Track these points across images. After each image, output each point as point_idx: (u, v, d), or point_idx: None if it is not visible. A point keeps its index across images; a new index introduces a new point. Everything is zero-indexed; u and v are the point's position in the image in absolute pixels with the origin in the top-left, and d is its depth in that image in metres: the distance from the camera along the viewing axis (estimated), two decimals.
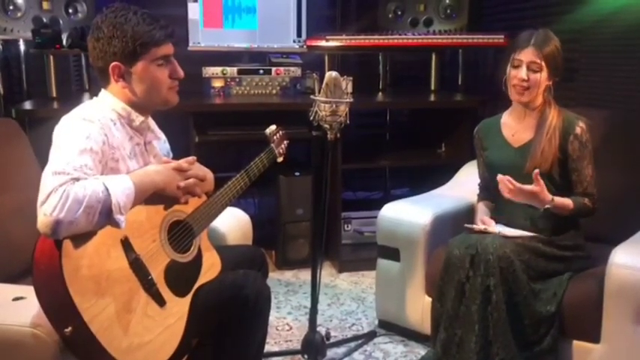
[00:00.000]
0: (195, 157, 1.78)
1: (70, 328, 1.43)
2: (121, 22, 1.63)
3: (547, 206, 2.07)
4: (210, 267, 1.81)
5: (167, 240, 1.68)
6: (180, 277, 1.69)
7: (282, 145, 2.16)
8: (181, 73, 1.74)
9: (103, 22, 1.65)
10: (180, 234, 1.72)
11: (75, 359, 1.50)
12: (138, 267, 1.56)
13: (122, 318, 1.50)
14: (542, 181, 2.04)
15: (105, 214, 1.46)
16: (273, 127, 2.14)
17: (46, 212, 1.39)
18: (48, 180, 1.44)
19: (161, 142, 1.91)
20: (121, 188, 1.50)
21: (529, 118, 2.21)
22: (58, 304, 1.43)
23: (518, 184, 2.05)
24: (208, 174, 1.87)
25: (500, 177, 2.09)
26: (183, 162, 1.74)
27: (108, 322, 1.46)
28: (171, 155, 1.92)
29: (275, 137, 2.13)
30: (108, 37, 1.63)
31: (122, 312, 1.50)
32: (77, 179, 1.44)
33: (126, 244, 1.54)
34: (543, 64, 2.11)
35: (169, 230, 1.69)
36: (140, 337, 1.53)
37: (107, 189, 1.47)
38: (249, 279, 1.74)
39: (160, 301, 1.60)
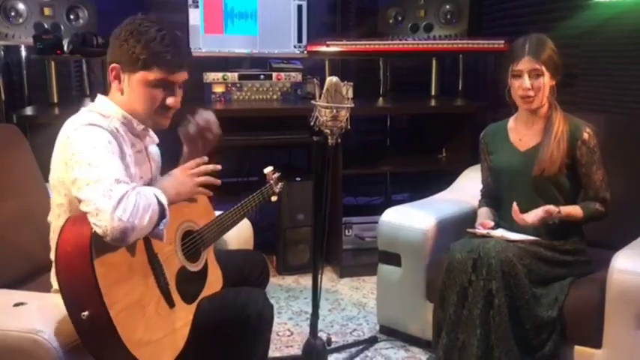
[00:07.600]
0: (205, 157, 1.77)
1: (87, 312, 1.42)
2: (140, 31, 1.62)
3: (555, 220, 2.10)
4: (214, 282, 1.84)
5: (180, 247, 1.72)
6: (188, 285, 1.71)
7: (278, 186, 2.12)
8: (174, 102, 1.68)
9: (127, 25, 1.64)
10: (191, 244, 1.76)
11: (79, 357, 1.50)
12: (155, 264, 1.59)
13: (137, 310, 1.51)
14: (550, 207, 2.07)
15: (154, 225, 1.50)
16: (270, 167, 2.12)
17: (121, 217, 1.40)
18: (112, 188, 1.43)
19: (155, 144, 1.90)
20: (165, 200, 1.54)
21: (536, 124, 2.22)
22: (80, 285, 1.42)
23: (523, 217, 2.08)
24: (212, 122, 1.89)
25: (514, 207, 2.09)
26: (191, 164, 1.73)
27: (125, 311, 1.46)
28: (159, 158, 1.92)
29: (272, 179, 2.10)
30: (122, 40, 1.63)
31: (138, 304, 1.51)
32: (134, 188, 1.47)
33: (147, 240, 1.57)
34: (543, 68, 2.11)
35: (182, 238, 1.74)
36: (150, 333, 1.53)
37: (159, 200, 1.51)
38: (252, 298, 1.74)
39: (170, 302, 1.63)
